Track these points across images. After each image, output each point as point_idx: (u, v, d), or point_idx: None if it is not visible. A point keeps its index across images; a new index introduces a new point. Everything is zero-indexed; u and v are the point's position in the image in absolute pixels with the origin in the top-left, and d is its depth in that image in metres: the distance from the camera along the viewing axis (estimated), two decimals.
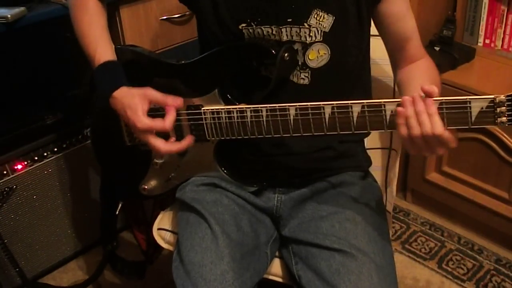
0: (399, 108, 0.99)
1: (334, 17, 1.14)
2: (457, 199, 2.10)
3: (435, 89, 0.97)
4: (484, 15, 2.11)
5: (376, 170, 1.41)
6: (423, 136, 0.98)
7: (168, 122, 1.15)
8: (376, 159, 1.41)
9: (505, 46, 2.11)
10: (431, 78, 1.19)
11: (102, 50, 1.22)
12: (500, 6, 2.07)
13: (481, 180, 2.03)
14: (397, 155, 1.46)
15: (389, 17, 1.19)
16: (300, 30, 1.15)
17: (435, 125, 0.96)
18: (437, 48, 2.11)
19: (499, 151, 1.92)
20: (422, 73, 1.20)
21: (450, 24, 2.13)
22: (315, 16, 1.14)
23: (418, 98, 0.98)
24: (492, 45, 2.14)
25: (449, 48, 2.10)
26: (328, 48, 1.16)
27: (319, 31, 1.15)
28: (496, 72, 2.05)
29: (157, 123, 1.15)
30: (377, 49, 1.28)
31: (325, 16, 1.14)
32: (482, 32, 2.14)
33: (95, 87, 1.25)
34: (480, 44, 2.16)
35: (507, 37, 2.10)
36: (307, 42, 1.16)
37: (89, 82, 1.35)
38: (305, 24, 1.15)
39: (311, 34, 1.15)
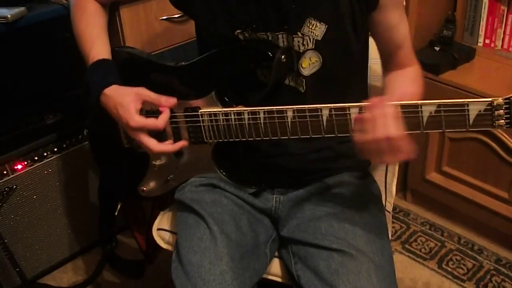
0: (357, 116, 1.01)
1: (326, 26, 1.14)
2: (457, 199, 2.10)
3: (383, 100, 0.99)
4: (484, 15, 2.11)
5: (375, 170, 1.41)
6: (376, 139, 0.99)
7: (161, 120, 1.15)
8: None
9: (505, 46, 2.11)
10: (413, 88, 1.20)
11: (97, 49, 1.23)
12: (500, 6, 2.07)
13: (481, 180, 2.03)
14: None
15: (381, 24, 1.19)
16: (293, 39, 1.15)
17: (389, 128, 0.97)
18: (437, 48, 2.11)
19: (499, 151, 1.92)
20: (406, 82, 1.22)
21: (450, 24, 2.13)
22: (308, 25, 1.14)
23: (376, 102, 0.99)
24: (492, 45, 2.14)
25: (449, 48, 2.10)
26: (320, 56, 1.16)
27: (311, 39, 1.15)
28: (496, 72, 2.05)
29: (149, 121, 1.15)
30: (374, 49, 1.28)
31: (318, 24, 1.14)
32: (482, 32, 2.14)
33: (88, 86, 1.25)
34: (480, 44, 2.16)
35: (507, 37, 2.10)
36: (300, 50, 1.16)
37: (85, 83, 1.34)
38: (299, 33, 1.15)
39: (304, 43, 1.15)
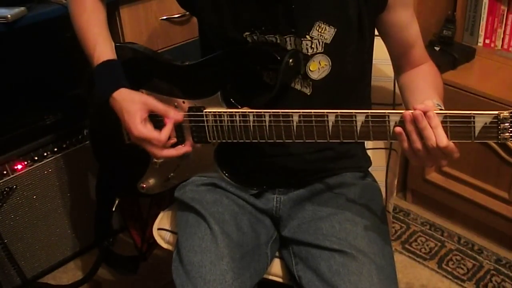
0: (397, 128, 0.99)
1: (336, 29, 1.14)
2: (457, 199, 2.10)
3: (428, 106, 0.97)
4: (484, 15, 2.11)
5: (376, 170, 1.40)
6: (427, 149, 0.98)
7: (164, 134, 1.16)
8: (376, 159, 1.41)
9: (505, 46, 2.11)
10: (434, 83, 1.19)
11: (101, 48, 1.22)
12: (500, 6, 2.07)
13: (481, 180, 2.03)
14: (397, 155, 1.46)
15: (393, 26, 1.19)
16: (301, 42, 1.15)
17: (440, 138, 0.96)
18: (437, 48, 2.11)
19: (499, 151, 1.92)
20: (424, 78, 1.20)
21: (450, 24, 2.14)
22: (317, 29, 1.14)
23: (419, 114, 0.97)
24: (492, 45, 2.14)
25: (449, 48, 2.10)
26: (329, 60, 1.16)
27: (321, 43, 1.15)
28: (496, 72, 2.05)
29: (153, 134, 1.15)
30: (377, 49, 1.28)
31: (327, 28, 1.14)
32: (482, 32, 2.14)
33: (93, 85, 1.25)
34: (480, 44, 2.16)
35: (507, 37, 2.10)
36: (309, 53, 1.16)
37: (87, 79, 1.34)
38: (307, 36, 1.14)
39: (312, 46, 1.15)
